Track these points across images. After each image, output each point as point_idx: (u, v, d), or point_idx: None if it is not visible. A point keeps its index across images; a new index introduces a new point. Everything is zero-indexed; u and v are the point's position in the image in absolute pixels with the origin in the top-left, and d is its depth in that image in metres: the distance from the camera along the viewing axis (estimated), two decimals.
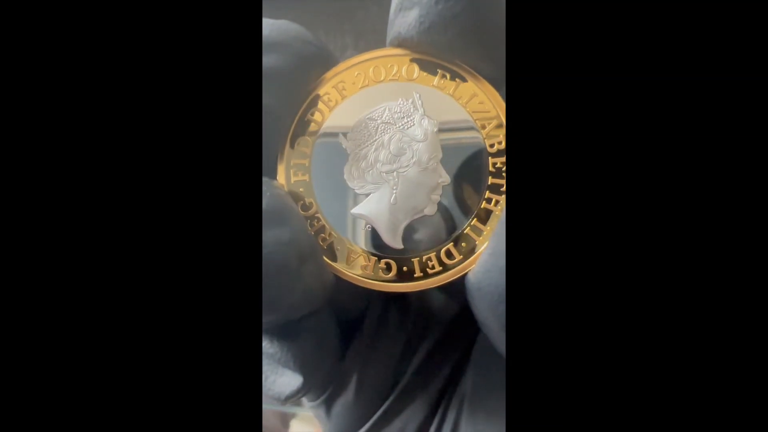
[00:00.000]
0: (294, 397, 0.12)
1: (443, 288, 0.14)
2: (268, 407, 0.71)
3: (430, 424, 0.16)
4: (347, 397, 0.15)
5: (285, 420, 0.78)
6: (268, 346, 0.12)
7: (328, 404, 0.16)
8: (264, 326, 0.12)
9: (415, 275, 0.11)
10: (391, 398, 0.16)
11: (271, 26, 0.12)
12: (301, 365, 0.12)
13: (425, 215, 0.11)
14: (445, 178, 0.11)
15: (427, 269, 0.11)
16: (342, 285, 0.12)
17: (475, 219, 0.11)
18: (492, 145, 0.12)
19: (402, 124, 0.11)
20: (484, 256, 0.11)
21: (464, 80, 0.11)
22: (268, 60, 0.12)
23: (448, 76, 0.11)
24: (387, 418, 0.16)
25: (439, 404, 0.16)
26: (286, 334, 0.12)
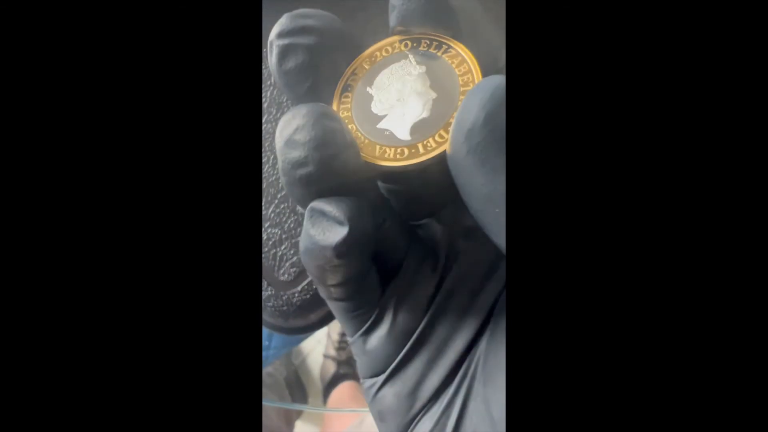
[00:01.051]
0: (341, 247, 0.16)
1: (470, 234, 0.19)
2: (269, 404, 0.71)
3: (456, 372, 0.18)
4: (381, 331, 0.18)
5: (289, 419, 0.79)
6: (324, 205, 0.17)
7: (365, 338, 0.19)
8: (319, 190, 0.17)
9: (420, 152, 0.17)
10: (414, 336, 0.18)
11: (314, 14, 0.18)
12: (349, 219, 0.16)
13: (423, 117, 0.18)
14: (434, 94, 0.18)
15: (427, 147, 0.17)
16: (370, 177, 0.18)
17: (455, 111, 0.17)
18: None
19: (402, 72, 0.19)
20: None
21: (438, 41, 0.19)
22: (310, 39, 0.18)
23: (428, 41, 0.19)
24: (407, 361, 0.18)
25: (463, 358, 0.18)
26: (337, 196, 0.17)
